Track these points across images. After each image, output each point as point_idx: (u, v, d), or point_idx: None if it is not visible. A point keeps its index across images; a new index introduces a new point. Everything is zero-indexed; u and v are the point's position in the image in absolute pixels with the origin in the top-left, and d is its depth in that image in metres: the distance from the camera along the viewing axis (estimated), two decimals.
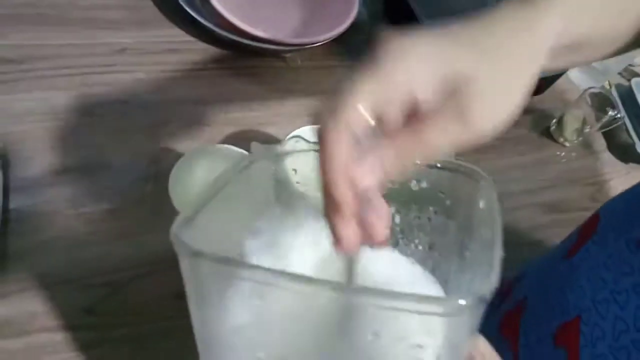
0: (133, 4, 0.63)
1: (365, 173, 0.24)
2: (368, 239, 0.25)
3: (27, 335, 0.41)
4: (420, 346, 0.25)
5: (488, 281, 0.21)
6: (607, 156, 0.74)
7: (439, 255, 0.34)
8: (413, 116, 0.24)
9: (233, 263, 0.24)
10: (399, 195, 0.33)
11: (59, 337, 0.42)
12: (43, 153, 0.50)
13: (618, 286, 0.33)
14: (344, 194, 0.24)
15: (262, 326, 0.26)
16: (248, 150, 0.45)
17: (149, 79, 0.58)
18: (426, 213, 0.34)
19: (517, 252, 0.59)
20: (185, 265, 0.23)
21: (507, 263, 0.58)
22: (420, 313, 0.21)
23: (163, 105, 0.57)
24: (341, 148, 0.23)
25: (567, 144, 0.72)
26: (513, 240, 0.61)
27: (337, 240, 0.25)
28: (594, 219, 0.42)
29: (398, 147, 0.24)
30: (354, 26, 0.66)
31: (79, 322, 0.43)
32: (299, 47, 0.63)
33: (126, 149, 0.53)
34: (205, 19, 0.60)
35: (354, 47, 0.71)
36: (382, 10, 0.77)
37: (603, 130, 0.72)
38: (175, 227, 0.23)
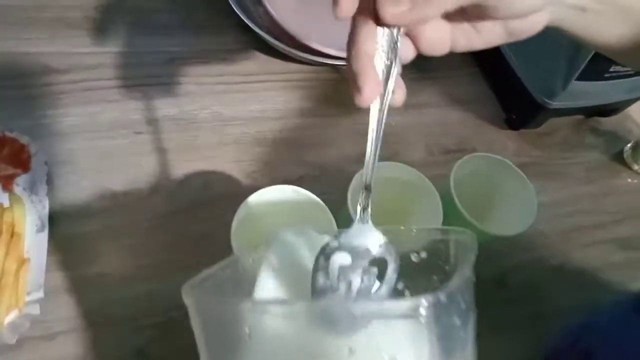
0: (183, 6, 0.59)
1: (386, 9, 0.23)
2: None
3: None
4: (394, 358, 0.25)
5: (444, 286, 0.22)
6: None
7: None
8: None
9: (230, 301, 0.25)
10: (404, 271, 0.33)
11: None
12: (89, 174, 0.47)
13: None
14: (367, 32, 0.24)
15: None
16: (317, 193, 0.41)
17: (200, 91, 0.54)
18: (432, 283, 0.33)
19: (588, 294, 0.55)
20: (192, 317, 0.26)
21: (577, 306, 0.54)
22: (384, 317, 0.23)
23: (215, 123, 0.53)
24: None
25: None
26: (584, 281, 0.56)
27: (356, 89, 0.25)
28: None
29: None
30: None
31: None
32: None
33: (176, 171, 0.49)
34: (257, 24, 0.55)
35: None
36: None
37: None
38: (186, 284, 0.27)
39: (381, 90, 0.25)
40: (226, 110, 0.54)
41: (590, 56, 0.52)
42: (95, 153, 0.48)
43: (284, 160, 0.53)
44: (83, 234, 0.44)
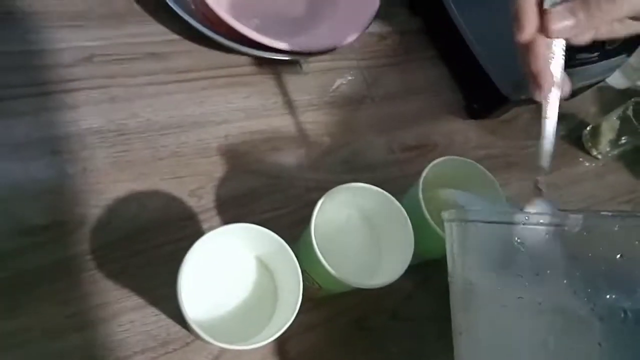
0: None
1: (554, 19, 0.29)
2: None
3: None
4: None
5: None
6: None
7: None
8: None
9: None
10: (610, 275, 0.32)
11: None
12: None
13: None
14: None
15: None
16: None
17: (128, 95, 0.47)
18: None
19: None
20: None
21: None
22: None
23: (147, 133, 0.46)
24: None
25: (599, 157, 0.65)
26: None
27: (537, 86, 0.32)
28: None
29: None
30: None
31: None
32: (304, 54, 0.52)
33: (104, 196, 0.42)
34: (189, 11, 0.47)
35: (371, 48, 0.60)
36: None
37: None
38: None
39: (556, 85, 0.31)
40: (159, 116, 0.47)
41: None
42: (2, 180, 0.40)
43: (232, 171, 0.47)
44: None
